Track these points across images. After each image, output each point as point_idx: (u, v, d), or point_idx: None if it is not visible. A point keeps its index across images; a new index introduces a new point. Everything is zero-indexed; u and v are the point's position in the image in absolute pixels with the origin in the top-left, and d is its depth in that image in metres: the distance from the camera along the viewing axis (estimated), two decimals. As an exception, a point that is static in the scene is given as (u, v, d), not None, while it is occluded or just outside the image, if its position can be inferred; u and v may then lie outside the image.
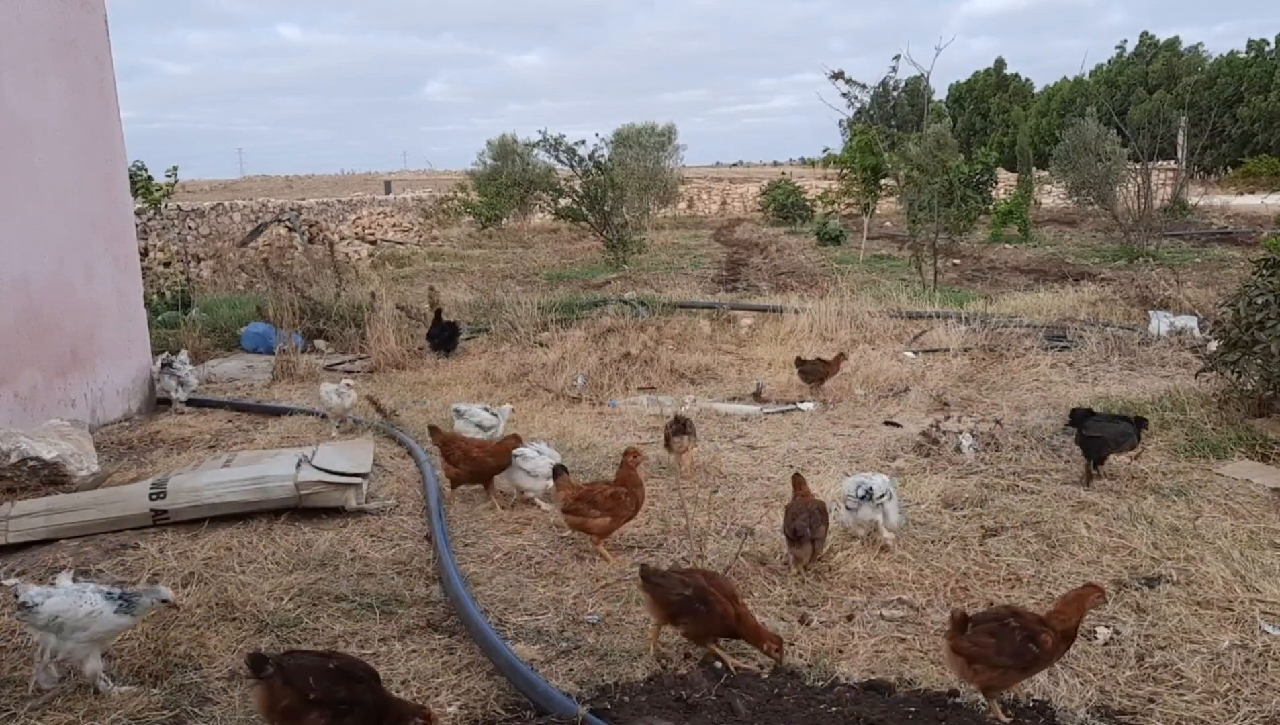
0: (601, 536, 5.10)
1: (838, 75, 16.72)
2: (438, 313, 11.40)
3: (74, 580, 3.91)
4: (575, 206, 21.96)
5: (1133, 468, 6.25)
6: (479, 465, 5.94)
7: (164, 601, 3.95)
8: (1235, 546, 4.98)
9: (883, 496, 5.02)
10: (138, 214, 13.87)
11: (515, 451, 5.90)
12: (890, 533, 5.09)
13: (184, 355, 8.93)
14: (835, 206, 31.94)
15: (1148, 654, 4.00)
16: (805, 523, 4.77)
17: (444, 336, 10.94)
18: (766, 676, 3.95)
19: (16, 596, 3.75)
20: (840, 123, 44.49)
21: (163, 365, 8.73)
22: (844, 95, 16.84)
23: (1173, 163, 32.12)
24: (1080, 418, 6.18)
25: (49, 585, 3.88)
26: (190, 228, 22.18)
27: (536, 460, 5.90)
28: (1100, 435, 6.01)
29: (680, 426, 6.59)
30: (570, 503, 5.11)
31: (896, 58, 42.89)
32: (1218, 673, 3.84)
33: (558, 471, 5.36)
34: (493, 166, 33.36)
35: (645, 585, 4.04)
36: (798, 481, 5.15)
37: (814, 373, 8.77)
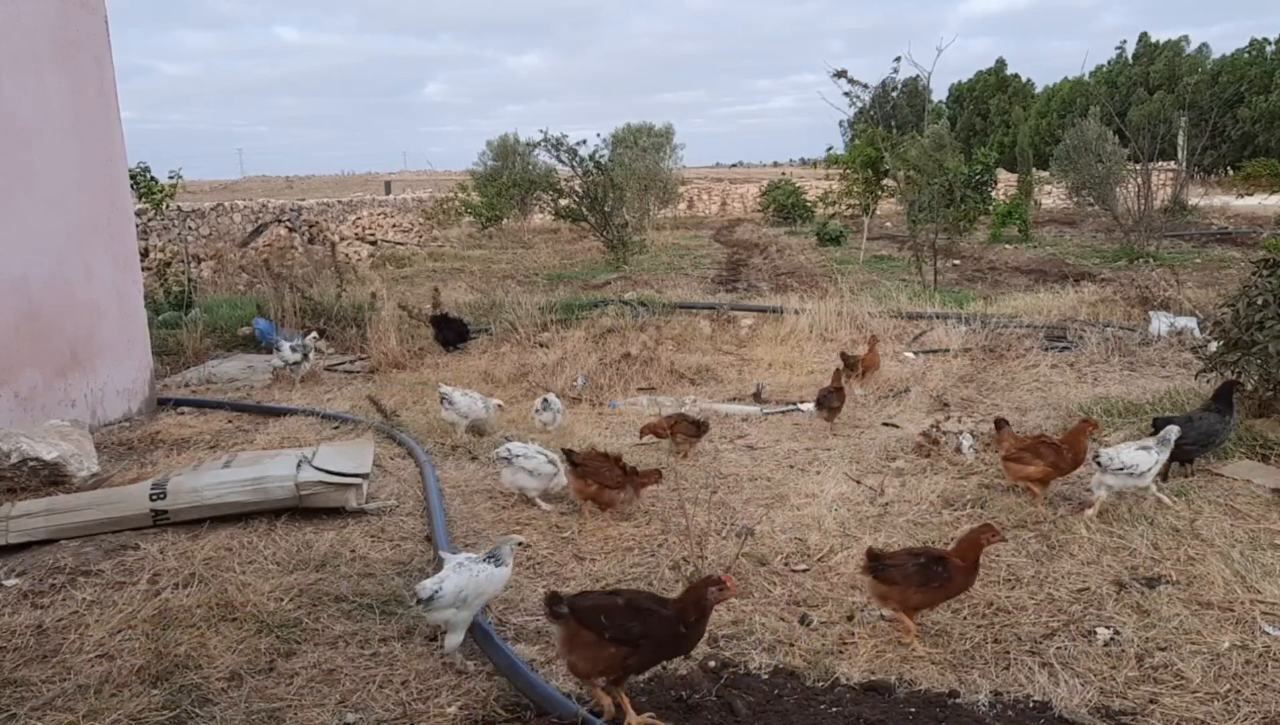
0: (1038, 483, 5.66)
1: (840, 74, 16.78)
2: (443, 314, 11.49)
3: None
4: (575, 207, 21.96)
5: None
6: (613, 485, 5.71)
7: (520, 544, 4.30)
8: (1235, 547, 4.98)
9: None
10: (138, 214, 13.89)
11: (515, 452, 5.90)
12: None
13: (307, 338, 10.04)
14: (836, 207, 31.95)
15: (1148, 654, 4.00)
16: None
17: (452, 332, 10.98)
18: (766, 677, 3.95)
19: (414, 594, 4.00)
20: (840, 123, 44.53)
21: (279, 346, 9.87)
22: (846, 94, 16.90)
23: (1173, 163, 32.10)
24: (1161, 427, 6.07)
25: (430, 576, 4.19)
26: (191, 228, 22.18)
27: (536, 460, 5.90)
28: (1192, 444, 5.96)
29: (696, 427, 6.91)
30: (1013, 452, 5.70)
31: (898, 59, 43.24)
32: (1218, 673, 3.84)
33: (1000, 424, 6.03)
34: (493, 167, 33.41)
35: (869, 569, 4.16)
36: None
37: (853, 367, 8.86)
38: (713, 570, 4.85)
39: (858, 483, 6.20)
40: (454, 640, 4.04)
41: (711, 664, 4.00)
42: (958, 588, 4.19)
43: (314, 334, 10.59)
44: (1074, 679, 3.83)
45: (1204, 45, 55.07)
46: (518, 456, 5.88)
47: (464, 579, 4.02)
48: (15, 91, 7.50)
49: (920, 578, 4.08)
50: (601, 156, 21.55)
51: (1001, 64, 62.27)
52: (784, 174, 45.42)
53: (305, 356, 9.83)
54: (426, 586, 3.99)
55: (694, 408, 8.25)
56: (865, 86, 17.44)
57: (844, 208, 31.81)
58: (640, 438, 7.04)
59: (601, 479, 5.58)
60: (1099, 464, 5.49)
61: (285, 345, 9.86)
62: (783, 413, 8.31)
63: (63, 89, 7.99)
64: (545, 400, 7.67)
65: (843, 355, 9.11)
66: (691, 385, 9.50)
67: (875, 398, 8.61)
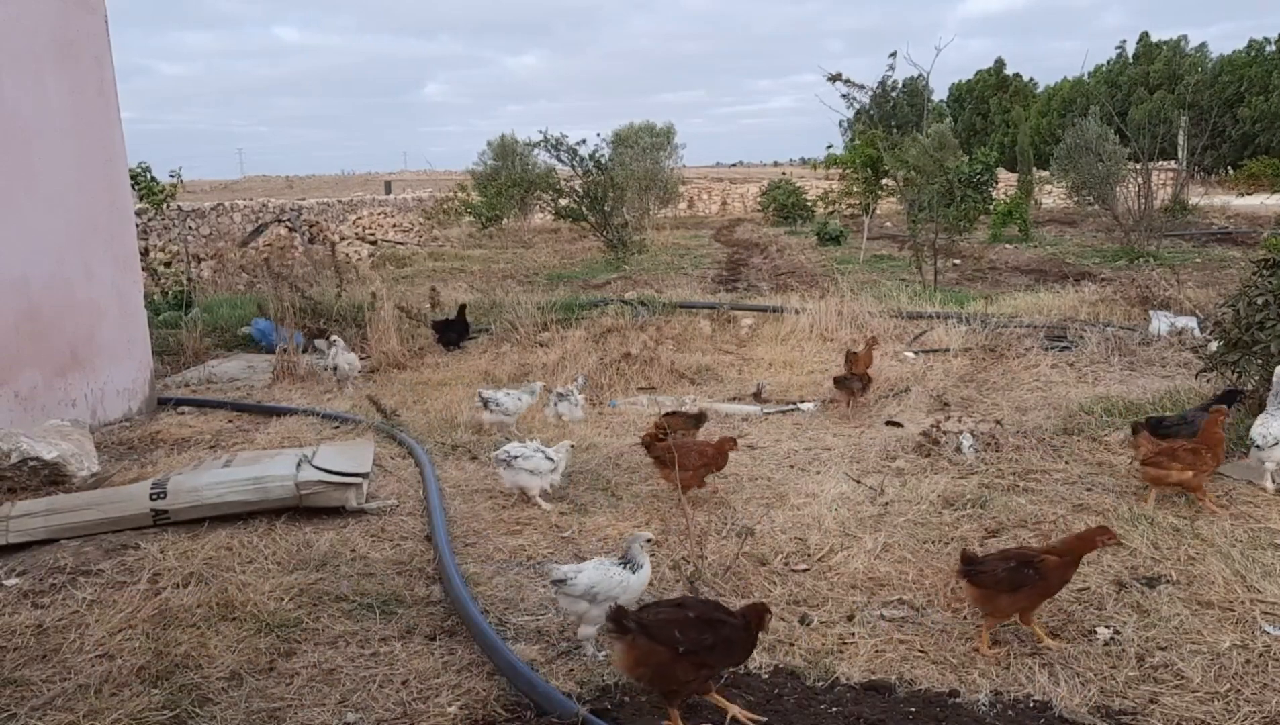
0: (1189, 489, 5.56)
1: (835, 77, 16.77)
2: (446, 319, 11.60)
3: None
4: (575, 206, 21.95)
5: (1133, 467, 6.24)
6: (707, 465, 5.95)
7: (648, 541, 4.36)
8: (1235, 546, 4.98)
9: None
10: (139, 214, 13.89)
11: (514, 453, 5.91)
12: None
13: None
14: (836, 206, 31.95)
15: (1148, 654, 4.00)
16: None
17: (454, 332, 11.03)
18: (766, 676, 3.95)
19: (549, 575, 4.13)
20: (840, 123, 44.52)
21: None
22: (844, 96, 16.90)
23: (1173, 163, 32.10)
24: (1156, 427, 6.07)
25: (570, 563, 4.30)
26: (191, 228, 22.18)
27: (535, 459, 5.91)
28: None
29: (695, 420, 6.98)
30: (1151, 457, 5.57)
31: (893, 55, 42.87)
32: (1218, 673, 3.84)
33: (1136, 428, 5.89)
34: (493, 166, 33.38)
35: (966, 574, 4.11)
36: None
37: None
38: (713, 570, 4.86)
39: (858, 482, 6.20)
40: (585, 632, 4.13)
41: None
42: (1052, 588, 4.10)
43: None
44: (1074, 679, 3.83)
45: (1203, 45, 55.08)
46: (516, 457, 5.89)
47: (599, 576, 4.10)
48: (15, 91, 7.50)
49: (1010, 582, 4.01)
50: (602, 156, 21.55)
51: (1001, 64, 62.24)
52: (784, 174, 45.39)
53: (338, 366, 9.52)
54: (562, 570, 4.11)
55: (694, 407, 8.26)
56: (862, 87, 17.44)
57: (844, 207, 31.81)
58: (649, 452, 6.72)
59: (682, 465, 5.75)
60: (1256, 447, 5.69)
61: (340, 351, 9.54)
62: (783, 413, 8.31)
63: (63, 89, 7.99)
64: (559, 392, 7.84)
65: (849, 353, 9.16)
66: (692, 385, 9.50)
67: (875, 397, 8.60)
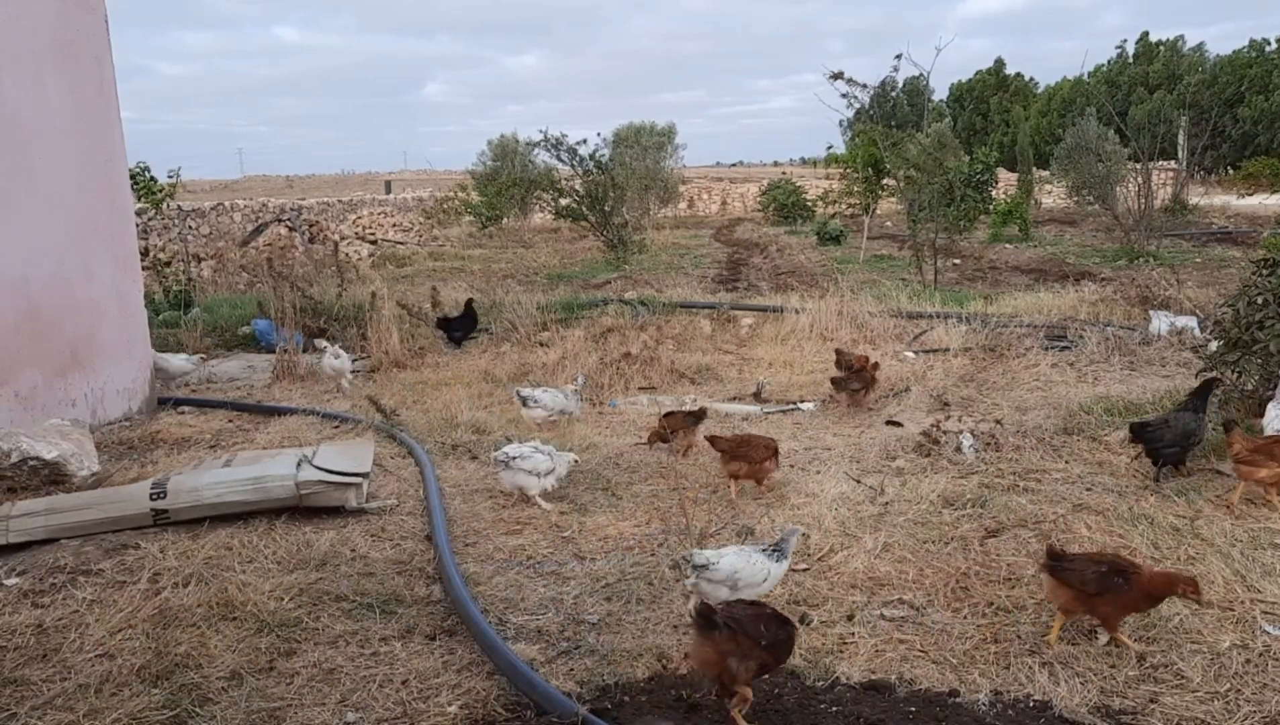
0: (1272, 487, 5.56)
1: (837, 76, 16.76)
2: (469, 302, 11.82)
3: None
4: (576, 206, 21.94)
5: (1133, 467, 6.25)
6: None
7: (804, 535, 4.40)
8: (1235, 546, 4.98)
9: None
10: (138, 214, 13.88)
11: (512, 454, 5.92)
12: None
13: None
14: (837, 206, 31.94)
15: (1148, 654, 4.00)
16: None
17: (461, 326, 11.14)
18: (767, 676, 3.95)
19: (688, 559, 4.18)
20: (840, 123, 44.55)
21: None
22: (843, 96, 16.88)
23: (1173, 163, 32.12)
24: (1140, 432, 6.10)
25: (714, 549, 4.33)
26: (191, 227, 22.20)
27: (534, 459, 5.91)
28: (1171, 446, 5.98)
29: (694, 417, 7.04)
30: (1245, 454, 5.56)
31: (898, 57, 43.07)
32: (1218, 673, 3.84)
33: (1229, 425, 5.84)
34: (493, 166, 33.35)
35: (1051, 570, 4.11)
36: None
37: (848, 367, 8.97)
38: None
39: (858, 482, 6.20)
40: None
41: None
42: (1135, 605, 4.07)
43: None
44: (1074, 678, 3.83)
45: (1201, 44, 55.12)
46: (514, 458, 5.89)
47: (741, 562, 4.16)
48: (15, 91, 7.50)
49: (1097, 586, 4.00)
50: (602, 156, 21.54)
51: (1001, 64, 62.25)
52: (784, 173, 45.41)
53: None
54: (704, 554, 4.17)
55: (694, 406, 8.26)
56: (864, 87, 17.41)
57: (844, 207, 31.81)
58: (650, 446, 7.01)
59: (749, 458, 5.95)
60: None
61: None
62: (783, 412, 8.31)
63: (63, 89, 7.99)
64: (521, 396, 7.76)
65: (837, 351, 9.25)
66: (692, 384, 9.50)
67: (875, 397, 8.60)
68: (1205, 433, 6.19)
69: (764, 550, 4.29)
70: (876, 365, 8.67)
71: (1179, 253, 20.07)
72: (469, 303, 11.78)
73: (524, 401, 7.57)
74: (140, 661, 4.07)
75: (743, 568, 4.16)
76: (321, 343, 10.04)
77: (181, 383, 9.81)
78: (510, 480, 5.95)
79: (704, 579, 4.15)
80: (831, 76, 16.66)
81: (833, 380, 8.40)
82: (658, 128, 35.94)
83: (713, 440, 6.23)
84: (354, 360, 10.83)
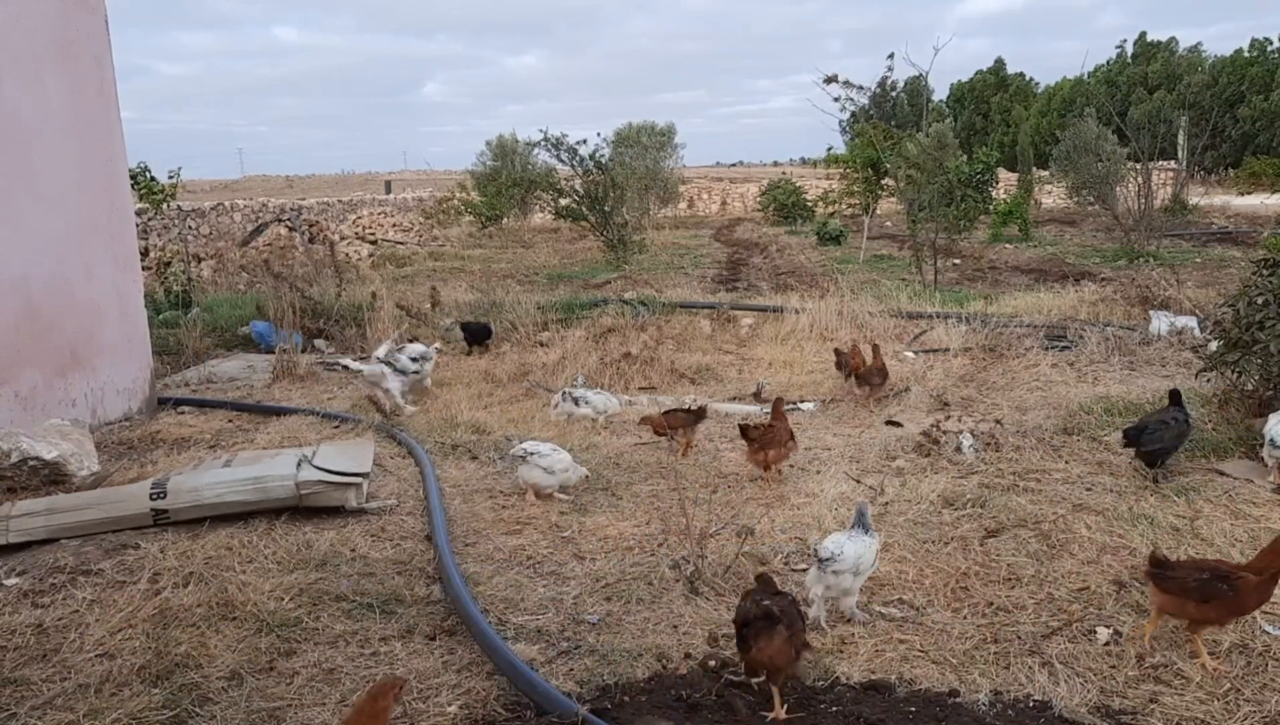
0: None
1: (830, 80, 16.70)
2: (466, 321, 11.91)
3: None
4: (576, 206, 21.94)
5: (1133, 467, 6.25)
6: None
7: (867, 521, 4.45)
8: (1235, 546, 4.98)
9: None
10: (139, 214, 13.90)
11: (529, 450, 5.99)
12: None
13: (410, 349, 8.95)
14: (837, 206, 31.94)
15: (1148, 654, 4.00)
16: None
17: (474, 335, 11.29)
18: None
19: (815, 553, 4.21)
20: (840, 123, 44.53)
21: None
22: (836, 100, 16.86)
23: (1173, 163, 32.11)
24: (1134, 437, 6.10)
25: (823, 539, 4.33)
26: (191, 227, 22.21)
27: (552, 457, 5.95)
28: (1161, 447, 5.99)
29: (694, 416, 7.17)
30: None
31: (890, 56, 42.93)
32: (1218, 672, 3.84)
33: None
34: (493, 166, 33.36)
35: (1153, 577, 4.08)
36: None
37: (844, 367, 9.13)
38: (713, 570, 4.86)
39: (858, 482, 6.20)
40: (849, 603, 4.31)
41: (711, 663, 4.00)
42: (1246, 607, 3.98)
43: (436, 344, 9.77)
44: (1074, 678, 3.83)
45: (1198, 44, 55.18)
46: (532, 454, 5.96)
47: (860, 548, 4.25)
48: (15, 91, 7.50)
49: (1200, 594, 3.94)
50: (602, 156, 21.54)
51: (1000, 64, 62.26)
52: (784, 173, 45.41)
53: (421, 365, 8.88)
54: (828, 547, 4.18)
55: (694, 406, 8.26)
56: (861, 89, 17.36)
57: (844, 207, 31.82)
58: (639, 424, 7.26)
59: (776, 442, 6.23)
60: (1274, 445, 5.75)
61: (401, 356, 8.67)
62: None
63: (63, 89, 7.99)
64: (573, 396, 7.94)
65: (836, 351, 9.33)
66: (692, 384, 9.50)
67: (875, 397, 8.60)
68: (1188, 431, 6.21)
69: (857, 531, 4.34)
70: (877, 347, 8.79)
71: (1179, 253, 20.07)
72: (486, 316, 12.12)
73: (575, 402, 7.77)
74: (140, 661, 4.07)
75: (864, 552, 4.22)
76: (389, 344, 8.93)
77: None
78: (526, 475, 5.99)
79: (829, 571, 4.17)
80: (825, 80, 16.63)
81: (856, 375, 8.66)
82: (658, 128, 35.96)
83: (744, 430, 6.40)
84: (354, 359, 10.43)
